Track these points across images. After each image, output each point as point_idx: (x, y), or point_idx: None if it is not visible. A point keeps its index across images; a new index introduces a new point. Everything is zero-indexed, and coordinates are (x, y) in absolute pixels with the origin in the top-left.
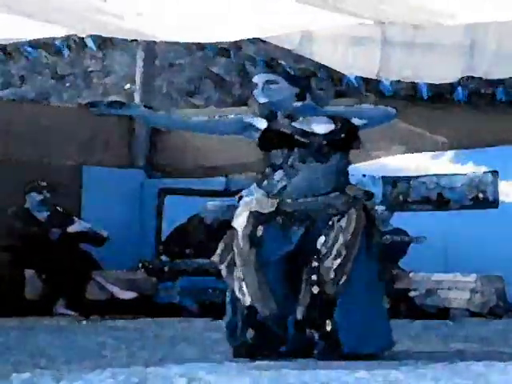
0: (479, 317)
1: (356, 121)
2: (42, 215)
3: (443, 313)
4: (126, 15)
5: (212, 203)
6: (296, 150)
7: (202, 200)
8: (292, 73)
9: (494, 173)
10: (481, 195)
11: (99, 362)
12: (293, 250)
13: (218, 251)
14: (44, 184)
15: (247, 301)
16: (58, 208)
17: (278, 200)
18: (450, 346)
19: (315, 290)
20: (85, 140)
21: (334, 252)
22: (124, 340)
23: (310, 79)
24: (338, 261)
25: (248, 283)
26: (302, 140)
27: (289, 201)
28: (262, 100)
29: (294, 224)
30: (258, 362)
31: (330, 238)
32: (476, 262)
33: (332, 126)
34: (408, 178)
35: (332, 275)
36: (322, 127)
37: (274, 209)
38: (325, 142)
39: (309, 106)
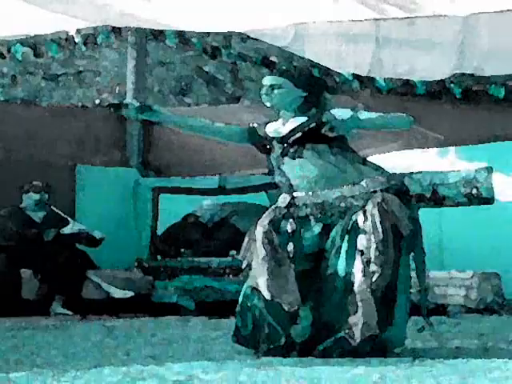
0: (476, 313)
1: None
2: (38, 215)
3: (440, 309)
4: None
5: (207, 202)
6: (272, 154)
7: (196, 198)
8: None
9: (489, 169)
10: (475, 191)
11: (97, 361)
12: (315, 246)
13: (243, 246)
14: (42, 184)
15: (266, 296)
16: (54, 209)
17: (290, 195)
18: (448, 342)
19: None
20: (78, 140)
21: (374, 254)
22: (121, 339)
23: (323, 82)
24: (378, 265)
25: (262, 278)
26: (262, 145)
27: (300, 194)
28: (267, 104)
29: (309, 218)
30: (256, 360)
31: (364, 239)
32: (472, 258)
33: (290, 127)
34: (402, 175)
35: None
36: (283, 129)
37: (286, 202)
38: (280, 145)
39: (354, 119)
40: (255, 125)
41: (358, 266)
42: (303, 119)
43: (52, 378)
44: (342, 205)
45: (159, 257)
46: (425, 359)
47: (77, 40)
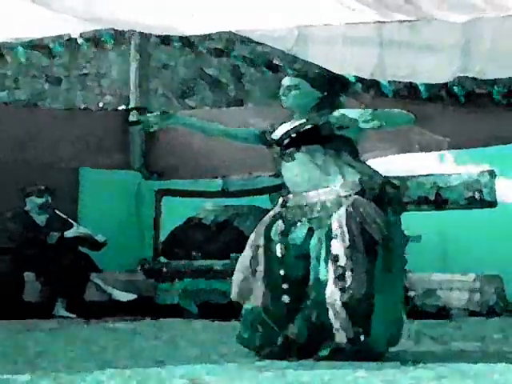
0: (479, 316)
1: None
2: (41, 219)
3: (443, 312)
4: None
5: (210, 204)
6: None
7: (199, 201)
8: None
9: (492, 172)
10: (478, 195)
11: (99, 364)
12: (303, 248)
13: None
14: (45, 187)
15: (232, 294)
16: (57, 212)
17: (286, 197)
18: (450, 345)
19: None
20: (81, 142)
21: (344, 260)
22: (124, 341)
23: (340, 83)
24: (350, 270)
25: (237, 274)
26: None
27: (291, 196)
28: (283, 104)
29: (295, 220)
30: (258, 363)
31: (336, 244)
32: (474, 261)
33: (284, 130)
34: (405, 178)
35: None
36: (280, 132)
37: (280, 204)
38: (278, 147)
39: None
40: (272, 125)
41: (330, 272)
42: (302, 121)
43: (55, 380)
44: (318, 208)
45: (162, 259)
46: (427, 362)
47: (80, 42)
